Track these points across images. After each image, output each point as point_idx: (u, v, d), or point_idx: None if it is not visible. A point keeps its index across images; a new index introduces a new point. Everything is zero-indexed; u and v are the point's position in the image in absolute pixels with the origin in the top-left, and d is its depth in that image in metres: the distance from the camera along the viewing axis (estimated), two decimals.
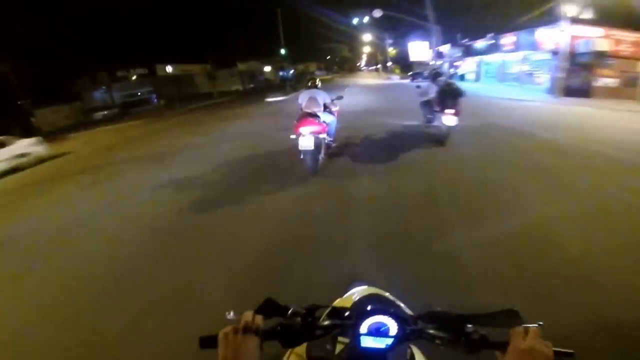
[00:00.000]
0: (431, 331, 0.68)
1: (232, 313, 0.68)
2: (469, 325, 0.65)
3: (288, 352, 0.83)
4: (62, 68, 21.29)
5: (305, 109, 5.08)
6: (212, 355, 0.63)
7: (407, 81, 22.01)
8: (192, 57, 29.64)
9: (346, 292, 1.03)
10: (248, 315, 0.66)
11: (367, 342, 0.68)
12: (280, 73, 35.07)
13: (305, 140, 4.55)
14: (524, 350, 0.57)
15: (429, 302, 1.20)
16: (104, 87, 27.70)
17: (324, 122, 4.89)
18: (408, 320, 0.71)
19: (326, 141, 5.15)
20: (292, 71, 42.73)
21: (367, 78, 34.73)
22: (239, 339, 0.63)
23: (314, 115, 4.83)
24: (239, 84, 34.32)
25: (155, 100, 29.01)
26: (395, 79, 28.77)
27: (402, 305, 0.85)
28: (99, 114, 23.33)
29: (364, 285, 1.09)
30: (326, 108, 5.36)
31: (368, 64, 69.54)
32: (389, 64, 40.72)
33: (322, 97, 5.29)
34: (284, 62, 27.50)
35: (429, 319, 0.70)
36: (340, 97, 5.90)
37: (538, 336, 0.59)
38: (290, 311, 0.71)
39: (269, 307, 0.70)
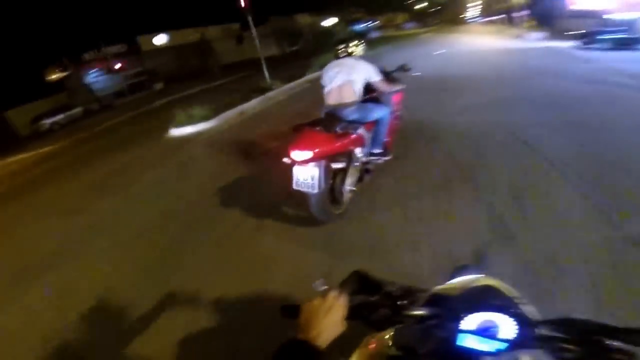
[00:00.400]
0: (559, 341, 0.57)
1: (319, 283, 0.67)
2: (612, 342, 0.54)
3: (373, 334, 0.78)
4: (25, 57, 19.09)
5: (330, 100, 3.24)
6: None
7: (563, 45, 12.94)
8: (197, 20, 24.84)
9: (451, 278, 0.90)
10: (337, 289, 0.67)
11: (469, 341, 0.60)
12: (355, 27, 30.32)
13: (303, 173, 2.61)
14: None
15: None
16: (97, 71, 23.35)
17: (356, 128, 2.96)
18: (534, 326, 0.61)
19: (360, 162, 3.13)
20: (370, 23, 38.25)
21: (478, 35, 23.43)
22: (323, 311, 0.63)
23: (330, 121, 2.87)
24: (276, 47, 28.68)
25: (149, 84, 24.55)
26: (532, 38, 17.04)
27: (525, 303, 0.70)
28: (45, 123, 19.20)
29: (480, 273, 0.88)
30: (371, 91, 3.38)
31: (483, 14, 60.56)
32: (519, 13, 26.60)
33: (364, 72, 3.19)
34: (358, 13, 22.54)
35: (558, 326, 0.60)
36: (405, 68, 3.82)
37: None
38: (382, 290, 0.69)
39: (358, 281, 0.69)
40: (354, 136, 2.87)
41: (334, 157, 2.74)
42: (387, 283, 0.70)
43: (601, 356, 0.54)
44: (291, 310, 0.67)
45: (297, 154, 2.53)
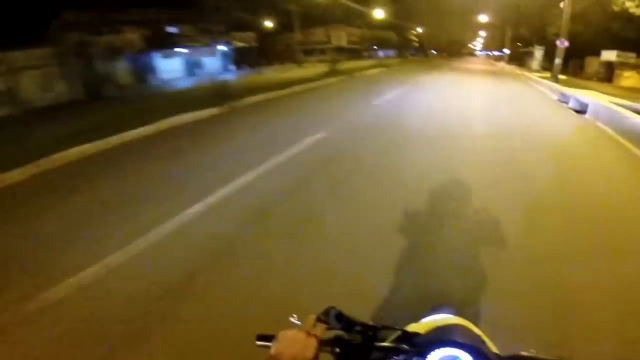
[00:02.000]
0: None
1: (295, 317, 0.73)
2: None
3: None
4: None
5: None
6: None
7: None
8: None
9: (425, 317, 0.97)
10: (311, 318, 0.72)
11: None
12: None
13: None
14: None
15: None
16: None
17: None
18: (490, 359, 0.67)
19: None
20: None
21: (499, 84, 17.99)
22: (297, 340, 0.67)
23: None
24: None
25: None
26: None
27: (488, 342, 0.78)
28: None
29: (451, 313, 0.98)
30: None
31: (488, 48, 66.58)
32: (538, 52, 26.90)
33: None
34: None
35: None
36: None
37: None
38: (354, 325, 0.73)
39: (332, 316, 0.73)
40: None
41: None
42: (360, 320, 0.74)
43: None
44: (266, 339, 0.70)
45: None
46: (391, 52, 48.53)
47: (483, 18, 41.36)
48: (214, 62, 22.76)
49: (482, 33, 65.25)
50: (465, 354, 0.63)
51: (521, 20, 33.66)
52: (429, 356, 0.65)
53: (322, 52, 35.88)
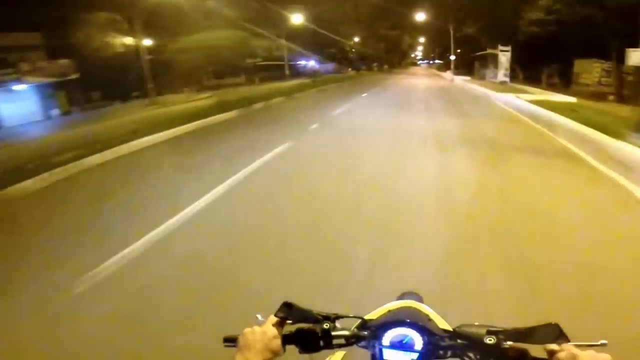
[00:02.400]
0: (463, 348, 0.71)
1: (260, 316, 0.78)
2: (508, 343, 0.65)
3: None
4: None
5: None
6: None
7: None
8: None
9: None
10: (273, 318, 0.77)
11: (391, 355, 0.73)
12: None
13: None
14: None
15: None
16: None
17: None
18: (436, 335, 0.74)
19: None
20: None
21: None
22: (261, 337, 0.72)
23: None
24: None
25: None
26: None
27: (438, 319, 0.87)
28: None
29: (416, 299, 1.12)
30: None
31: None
32: (504, 56, 19.29)
33: None
34: None
35: (462, 334, 0.73)
36: None
37: (589, 356, 0.58)
38: (313, 317, 0.78)
39: (290, 311, 0.78)
40: None
41: None
42: (316, 312, 0.79)
43: (497, 356, 0.65)
44: (232, 340, 0.76)
45: None
46: (331, 67, 43.22)
47: (421, 17, 35.04)
48: (16, 108, 15.58)
49: (422, 39, 61.92)
50: (413, 332, 0.72)
51: (471, 12, 24.82)
52: (383, 338, 0.73)
53: (233, 72, 28.43)
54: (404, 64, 79.73)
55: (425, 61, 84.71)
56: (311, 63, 40.67)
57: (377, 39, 49.08)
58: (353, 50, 47.85)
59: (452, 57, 32.34)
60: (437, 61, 62.68)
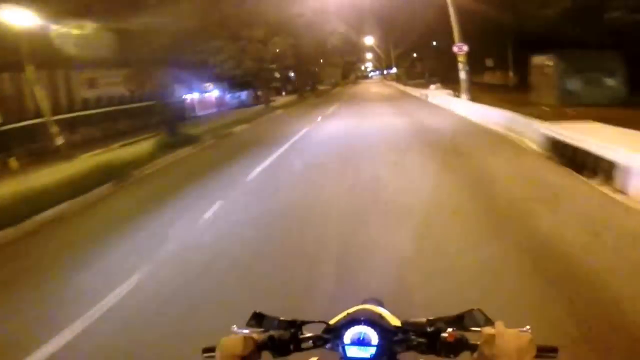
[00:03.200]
0: (412, 340, 0.81)
1: (235, 327, 0.86)
2: (448, 330, 0.77)
3: None
4: None
5: None
6: None
7: None
8: None
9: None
10: (246, 328, 0.86)
11: (352, 352, 0.80)
12: None
13: None
14: (493, 351, 0.65)
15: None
16: None
17: None
18: (387, 329, 0.84)
19: None
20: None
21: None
22: (236, 345, 0.79)
23: None
24: None
25: None
26: None
27: (390, 317, 0.95)
28: None
29: (372, 302, 1.19)
30: None
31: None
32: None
33: None
34: None
35: (408, 326, 0.85)
36: None
37: (512, 333, 0.67)
38: (281, 323, 0.88)
39: (261, 320, 0.87)
40: None
41: None
42: (283, 319, 0.89)
43: (439, 342, 0.77)
44: (210, 350, 0.84)
45: None
46: (244, 96, 32.38)
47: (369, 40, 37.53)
48: None
49: (369, 55, 63.82)
50: (368, 328, 0.80)
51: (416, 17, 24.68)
52: (344, 337, 0.81)
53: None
54: (352, 79, 73.85)
55: (377, 72, 74.72)
56: (214, 93, 29.66)
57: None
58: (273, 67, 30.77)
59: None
60: (391, 71, 53.17)
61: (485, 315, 0.74)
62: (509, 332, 0.67)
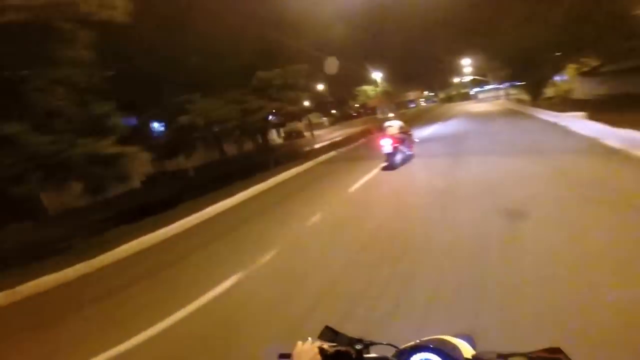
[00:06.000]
0: None
1: (310, 338, 0.98)
2: None
3: None
4: None
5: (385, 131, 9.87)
6: None
7: None
8: None
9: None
10: (317, 340, 0.98)
11: None
12: None
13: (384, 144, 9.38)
14: None
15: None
16: None
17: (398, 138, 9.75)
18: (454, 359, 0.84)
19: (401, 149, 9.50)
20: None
21: None
22: (307, 353, 0.93)
23: (391, 133, 9.82)
24: None
25: None
26: None
27: (465, 348, 0.90)
28: None
29: (462, 337, 1.07)
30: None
31: None
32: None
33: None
34: None
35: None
36: None
37: None
38: (350, 340, 0.94)
39: (331, 334, 0.96)
40: (400, 138, 9.72)
41: (397, 140, 9.47)
42: (352, 337, 0.95)
43: None
44: (286, 355, 0.98)
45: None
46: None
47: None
48: None
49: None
50: (434, 356, 0.80)
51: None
52: None
53: None
54: (440, 100, 56.18)
55: (491, 87, 43.08)
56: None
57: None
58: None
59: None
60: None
61: (566, 356, 0.67)
62: None
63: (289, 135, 29.27)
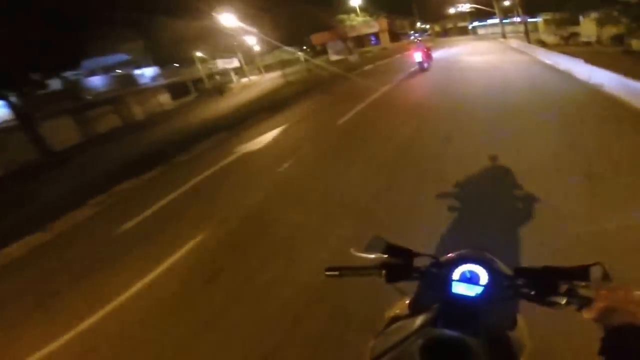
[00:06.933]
0: (522, 287, 0.79)
1: (353, 249, 0.97)
2: (561, 281, 0.74)
3: (397, 302, 1.09)
4: None
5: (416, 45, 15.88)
6: None
7: None
8: None
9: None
10: (365, 252, 0.98)
11: (458, 288, 0.81)
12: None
13: (416, 56, 15.28)
14: (608, 309, 0.63)
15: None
16: None
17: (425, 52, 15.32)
18: (499, 272, 0.84)
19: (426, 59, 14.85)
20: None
21: None
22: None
23: (421, 46, 15.59)
24: None
25: None
26: None
27: (500, 263, 0.95)
28: None
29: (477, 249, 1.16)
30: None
31: None
32: None
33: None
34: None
35: (523, 272, 0.82)
36: None
37: (628, 295, 0.64)
38: (397, 250, 0.94)
39: (378, 244, 0.95)
40: (427, 52, 15.73)
41: (425, 53, 15.29)
42: (400, 247, 0.95)
43: (552, 292, 0.73)
44: (333, 270, 0.95)
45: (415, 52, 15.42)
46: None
47: None
48: None
49: None
50: (480, 268, 0.82)
51: None
52: (454, 272, 0.84)
53: None
54: (433, 34, 50.71)
55: (489, 21, 38.17)
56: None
57: None
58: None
59: None
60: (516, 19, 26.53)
61: (605, 271, 0.68)
62: (637, 293, 0.62)
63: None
